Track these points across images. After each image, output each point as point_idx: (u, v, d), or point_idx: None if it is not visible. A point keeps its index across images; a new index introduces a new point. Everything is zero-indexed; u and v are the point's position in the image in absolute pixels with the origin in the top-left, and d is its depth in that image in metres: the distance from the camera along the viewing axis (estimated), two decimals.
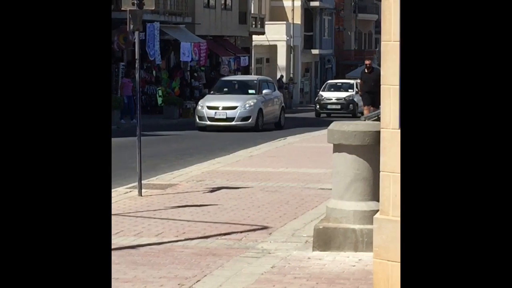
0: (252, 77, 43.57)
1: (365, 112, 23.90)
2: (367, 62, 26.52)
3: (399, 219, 6.57)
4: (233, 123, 33.43)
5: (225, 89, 36.73)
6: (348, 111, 48.47)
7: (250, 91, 36.49)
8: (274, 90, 38.42)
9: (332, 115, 47.23)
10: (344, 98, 49.48)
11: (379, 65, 8.36)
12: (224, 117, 33.79)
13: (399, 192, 6.57)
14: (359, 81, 27.39)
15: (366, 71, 25.22)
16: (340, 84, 52.89)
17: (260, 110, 34.07)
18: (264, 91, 35.96)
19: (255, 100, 34.49)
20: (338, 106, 49.46)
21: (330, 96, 50.49)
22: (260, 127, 33.63)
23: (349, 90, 50.26)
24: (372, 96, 23.67)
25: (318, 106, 50.27)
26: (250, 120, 33.55)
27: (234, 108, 33.80)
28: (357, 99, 42.44)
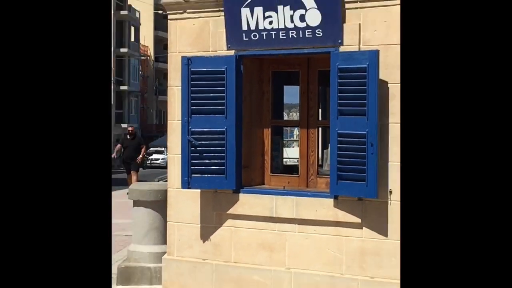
0: None
1: (128, 177, 22.17)
2: (130, 129, 24.13)
3: (183, 258, 7.41)
4: None
5: None
6: None
7: None
8: None
9: None
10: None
11: None
12: None
13: (185, 236, 7.42)
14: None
15: (128, 137, 22.93)
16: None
17: None
18: None
19: None
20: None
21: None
22: None
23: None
24: (129, 161, 22.02)
25: None
26: None
27: None
28: None
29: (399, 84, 6.16)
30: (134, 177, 21.42)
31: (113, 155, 22.83)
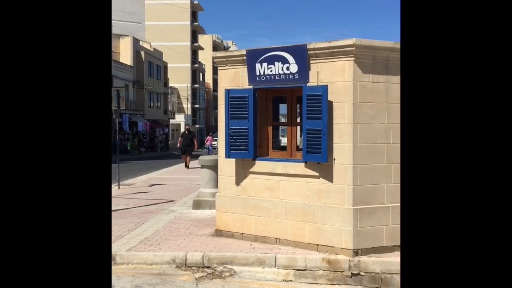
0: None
1: (183, 158, 20.85)
2: (187, 127, 22.57)
3: (226, 195, 7.20)
4: None
5: None
6: None
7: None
8: None
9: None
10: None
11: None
12: None
13: (227, 183, 7.20)
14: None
15: (186, 132, 20.96)
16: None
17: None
18: None
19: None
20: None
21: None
22: None
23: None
24: (186, 148, 20.38)
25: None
26: None
27: None
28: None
29: (338, 103, 6.27)
30: (188, 158, 20.58)
31: (178, 145, 22.08)
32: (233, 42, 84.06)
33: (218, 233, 7.39)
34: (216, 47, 69.93)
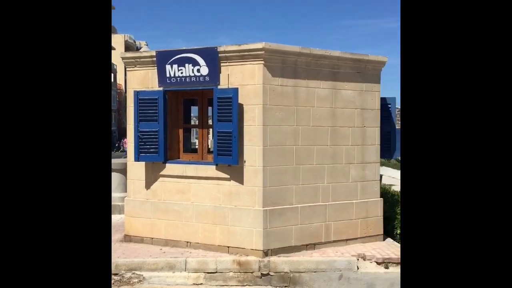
0: None
1: None
2: None
3: (136, 199, 6.99)
4: None
5: None
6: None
7: None
8: None
9: None
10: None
11: None
12: None
13: (137, 187, 6.98)
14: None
15: None
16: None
17: None
18: None
19: None
20: None
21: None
22: None
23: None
24: None
25: None
26: None
27: None
28: None
29: (248, 105, 6.34)
30: None
31: None
32: (146, 43, 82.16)
33: (127, 238, 7.18)
34: (128, 47, 68.03)
